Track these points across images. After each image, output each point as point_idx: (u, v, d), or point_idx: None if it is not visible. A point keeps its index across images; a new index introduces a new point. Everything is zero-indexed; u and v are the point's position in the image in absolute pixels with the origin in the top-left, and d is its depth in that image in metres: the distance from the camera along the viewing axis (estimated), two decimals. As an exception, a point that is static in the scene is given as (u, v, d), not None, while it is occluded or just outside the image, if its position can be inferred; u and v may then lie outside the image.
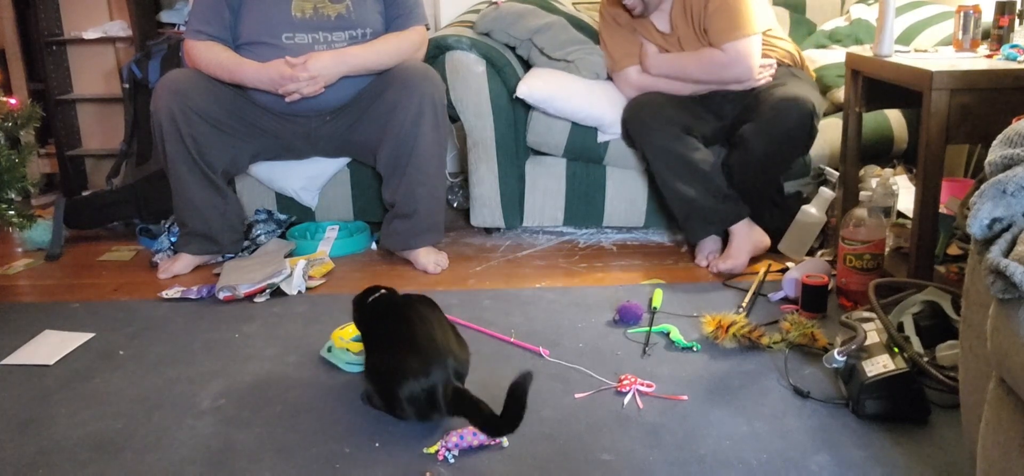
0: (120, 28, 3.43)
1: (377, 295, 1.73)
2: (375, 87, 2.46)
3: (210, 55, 2.41)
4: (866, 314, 1.75)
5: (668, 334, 1.93)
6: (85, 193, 3.37)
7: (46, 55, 3.41)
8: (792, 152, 2.43)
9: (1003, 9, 2.03)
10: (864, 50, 2.25)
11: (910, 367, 1.56)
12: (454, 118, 2.62)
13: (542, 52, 2.66)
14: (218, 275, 2.37)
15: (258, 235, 2.61)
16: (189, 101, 2.35)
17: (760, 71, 2.45)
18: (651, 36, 2.53)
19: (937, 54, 2.12)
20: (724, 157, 2.48)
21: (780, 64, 2.54)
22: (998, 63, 1.91)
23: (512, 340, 1.94)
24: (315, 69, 2.36)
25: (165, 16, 3.44)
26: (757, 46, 2.42)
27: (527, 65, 2.73)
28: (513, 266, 2.49)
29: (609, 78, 2.66)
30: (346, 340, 1.86)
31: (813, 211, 2.39)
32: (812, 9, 3.14)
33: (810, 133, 2.36)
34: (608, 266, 2.47)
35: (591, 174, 2.65)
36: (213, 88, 2.41)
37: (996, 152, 1.11)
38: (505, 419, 1.41)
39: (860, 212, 2.06)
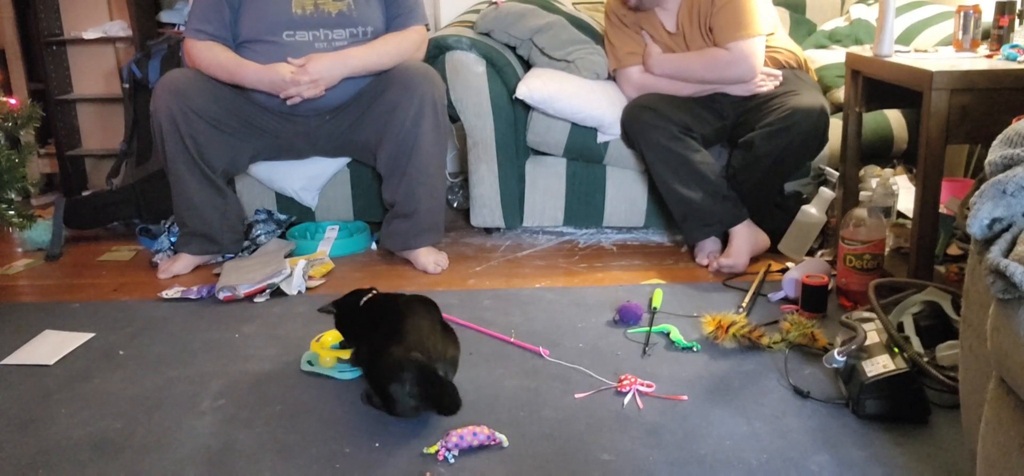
0: (120, 28, 3.43)
1: (371, 295, 1.73)
2: (375, 87, 2.46)
3: (210, 55, 2.41)
4: (866, 314, 1.75)
5: (668, 334, 1.93)
6: (85, 193, 3.37)
7: (46, 55, 3.41)
8: (802, 159, 2.44)
9: (1003, 9, 2.03)
10: (864, 50, 2.25)
11: (910, 367, 1.55)
12: (454, 118, 2.62)
13: (542, 52, 2.66)
14: (218, 275, 2.37)
15: (258, 235, 2.61)
16: (189, 101, 2.35)
17: (763, 79, 2.45)
18: (658, 34, 2.53)
19: (937, 54, 2.12)
20: (727, 159, 2.48)
21: (785, 67, 2.54)
22: (998, 63, 1.91)
23: (512, 340, 1.94)
24: (316, 72, 2.36)
25: (165, 16, 3.44)
26: (761, 47, 2.43)
27: (527, 65, 2.73)
28: (513, 266, 2.49)
29: (609, 78, 2.66)
30: (326, 348, 1.83)
31: (813, 211, 2.38)
32: (812, 9, 3.14)
33: (822, 141, 2.36)
34: (608, 266, 2.47)
35: (591, 174, 2.65)
36: (213, 88, 2.41)
37: (996, 152, 1.11)
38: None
39: (860, 212, 2.06)
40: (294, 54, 2.39)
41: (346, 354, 1.79)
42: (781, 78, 2.47)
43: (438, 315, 1.70)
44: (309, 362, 1.83)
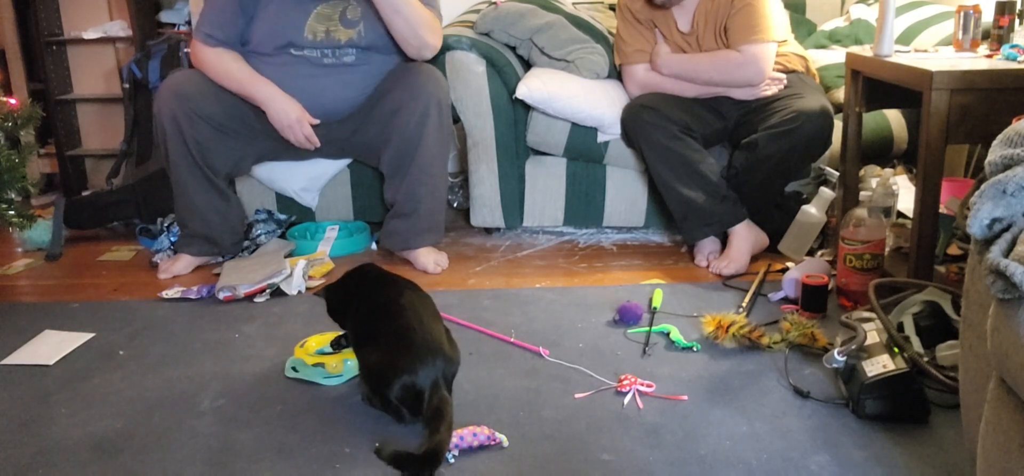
0: (120, 28, 3.43)
1: (363, 270, 1.71)
2: (380, 88, 2.46)
3: (221, 66, 2.40)
4: (866, 314, 1.75)
5: (668, 334, 1.93)
6: (85, 193, 3.37)
7: (46, 55, 3.40)
8: (806, 161, 2.44)
9: (1003, 9, 2.03)
10: (864, 50, 2.25)
11: (910, 367, 1.56)
12: (454, 118, 2.62)
13: (542, 52, 2.65)
14: (218, 275, 2.37)
15: (258, 235, 2.61)
16: (193, 104, 2.35)
17: (768, 84, 2.44)
18: (671, 33, 2.52)
19: (937, 54, 2.12)
20: (728, 158, 2.48)
21: (792, 71, 2.53)
22: (998, 63, 1.91)
23: (512, 340, 1.94)
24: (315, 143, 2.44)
25: (165, 16, 3.44)
26: (772, 53, 2.42)
27: (527, 65, 2.73)
28: (513, 266, 2.49)
29: (609, 77, 2.66)
30: (313, 354, 1.81)
31: (813, 211, 2.39)
32: (812, 9, 3.14)
33: (826, 143, 2.36)
34: (608, 266, 2.47)
35: (591, 174, 2.65)
36: (217, 91, 2.40)
37: (996, 152, 1.11)
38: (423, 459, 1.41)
39: (860, 212, 2.06)
40: (302, 69, 2.40)
41: (332, 361, 1.78)
42: (785, 82, 2.47)
43: (434, 308, 1.68)
44: (293, 369, 1.80)
